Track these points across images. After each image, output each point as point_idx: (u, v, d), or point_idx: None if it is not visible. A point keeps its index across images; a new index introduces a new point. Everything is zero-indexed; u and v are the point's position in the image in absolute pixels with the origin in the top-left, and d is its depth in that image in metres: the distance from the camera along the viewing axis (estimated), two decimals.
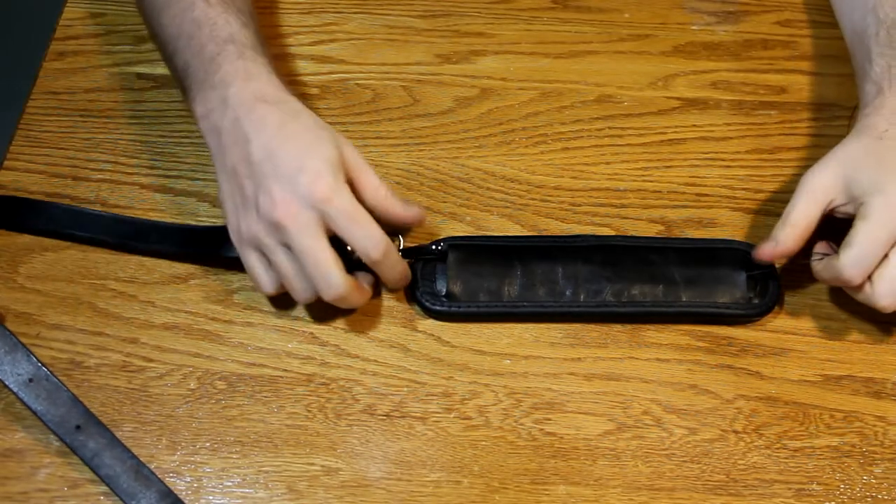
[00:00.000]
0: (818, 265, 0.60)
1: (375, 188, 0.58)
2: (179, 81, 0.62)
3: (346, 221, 0.55)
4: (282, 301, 0.62)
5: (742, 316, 0.62)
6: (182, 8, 0.62)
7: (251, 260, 0.58)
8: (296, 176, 0.55)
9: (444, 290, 0.62)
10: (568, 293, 0.62)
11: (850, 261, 0.56)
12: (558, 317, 0.62)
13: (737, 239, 0.64)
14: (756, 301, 0.62)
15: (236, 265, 0.60)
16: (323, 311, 0.62)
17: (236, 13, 0.62)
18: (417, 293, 0.61)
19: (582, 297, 0.62)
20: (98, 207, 0.66)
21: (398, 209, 0.59)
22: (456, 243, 0.63)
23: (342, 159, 0.57)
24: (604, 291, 0.62)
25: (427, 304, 0.61)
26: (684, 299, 0.62)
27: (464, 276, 0.62)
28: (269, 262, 0.57)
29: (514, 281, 0.62)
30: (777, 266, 0.63)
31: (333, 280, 0.56)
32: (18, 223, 0.65)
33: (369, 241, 0.56)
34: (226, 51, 0.60)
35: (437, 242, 0.62)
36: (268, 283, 0.58)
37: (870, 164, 0.58)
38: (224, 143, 0.58)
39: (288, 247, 0.56)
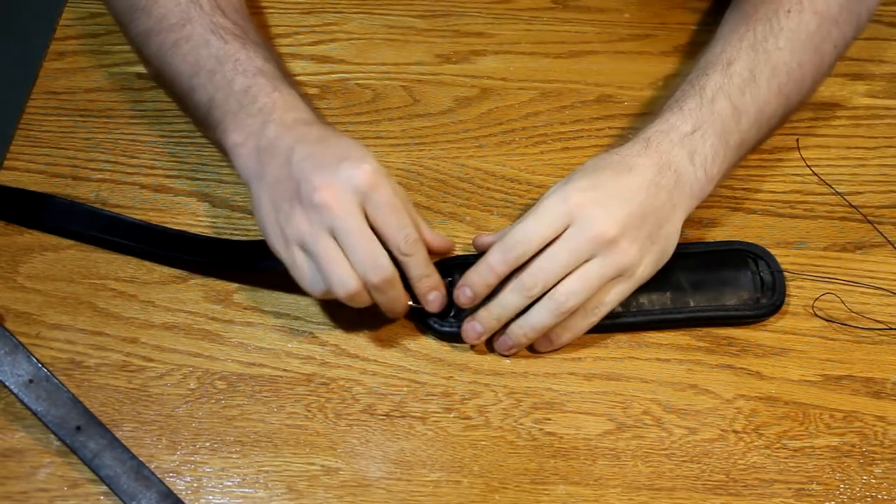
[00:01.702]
0: None
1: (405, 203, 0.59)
2: (200, 116, 0.63)
3: (386, 208, 0.56)
4: (282, 301, 0.62)
5: (751, 317, 0.62)
6: (194, 46, 0.62)
7: (298, 260, 0.57)
8: (339, 164, 0.56)
9: (453, 311, 0.61)
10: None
11: (499, 252, 0.59)
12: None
13: (738, 239, 0.64)
14: (763, 301, 0.62)
15: (269, 282, 0.61)
16: (323, 310, 0.62)
17: (255, 47, 0.63)
18: (427, 317, 0.61)
19: None
20: (98, 207, 0.66)
21: (428, 234, 0.59)
22: (458, 262, 0.62)
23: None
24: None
25: (436, 325, 0.61)
26: (692, 304, 0.61)
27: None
28: (315, 261, 0.56)
29: None
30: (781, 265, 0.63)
31: (381, 261, 0.55)
32: (43, 223, 0.65)
33: (403, 231, 0.56)
34: (258, 83, 0.60)
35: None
36: (315, 283, 0.57)
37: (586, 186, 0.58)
38: (263, 160, 0.58)
39: (332, 233, 0.55)
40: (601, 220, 0.56)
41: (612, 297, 0.58)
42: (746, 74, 0.62)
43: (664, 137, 0.60)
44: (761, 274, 0.62)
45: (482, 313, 0.59)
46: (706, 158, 0.60)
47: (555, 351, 0.61)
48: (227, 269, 0.63)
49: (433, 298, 0.59)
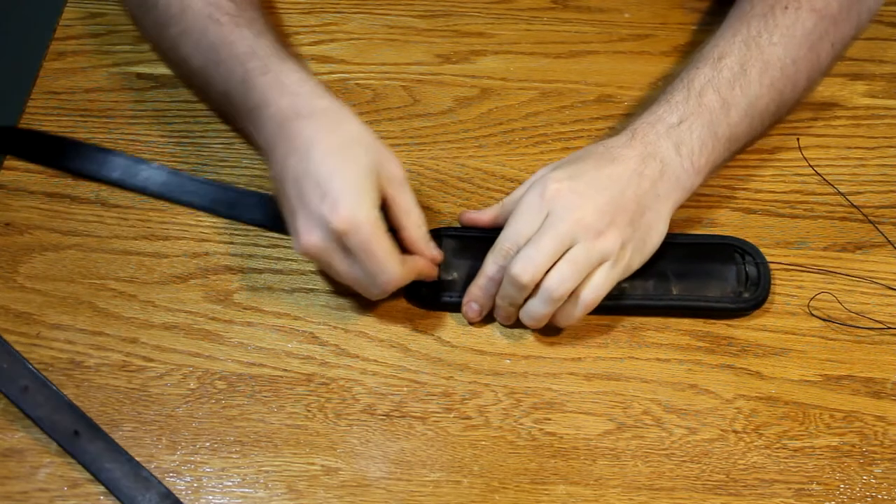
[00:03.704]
0: None
1: (407, 212, 0.58)
2: (222, 109, 0.63)
3: (360, 254, 0.55)
4: (282, 301, 0.62)
5: (732, 310, 0.62)
6: (198, 34, 0.62)
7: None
8: (319, 205, 0.54)
9: (436, 280, 0.62)
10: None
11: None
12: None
13: (727, 234, 0.64)
14: (746, 295, 0.62)
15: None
16: (323, 310, 0.62)
17: (248, 24, 0.62)
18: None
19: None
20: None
21: (421, 243, 0.59)
22: (448, 234, 0.64)
23: (377, 175, 0.56)
24: None
25: (418, 292, 0.62)
26: (675, 293, 0.62)
27: (459, 266, 0.62)
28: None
29: None
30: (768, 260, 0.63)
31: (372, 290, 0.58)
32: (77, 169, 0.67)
33: (375, 274, 0.56)
34: (251, 70, 0.59)
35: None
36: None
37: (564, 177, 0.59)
38: (272, 159, 0.58)
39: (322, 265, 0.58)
40: (577, 207, 0.56)
41: (601, 282, 0.58)
42: (737, 68, 0.62)
43: (650, 129, 0.60)
44: (747, 269, 0.62)
45: (480, 297, 0.60)
46: (693, 150, 0.60)
47: (555, 352, 0.61)
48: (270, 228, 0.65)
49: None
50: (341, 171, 0.55)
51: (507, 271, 0.57)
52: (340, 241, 0.55)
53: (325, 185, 0.54)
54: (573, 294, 0.57)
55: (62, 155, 0.67)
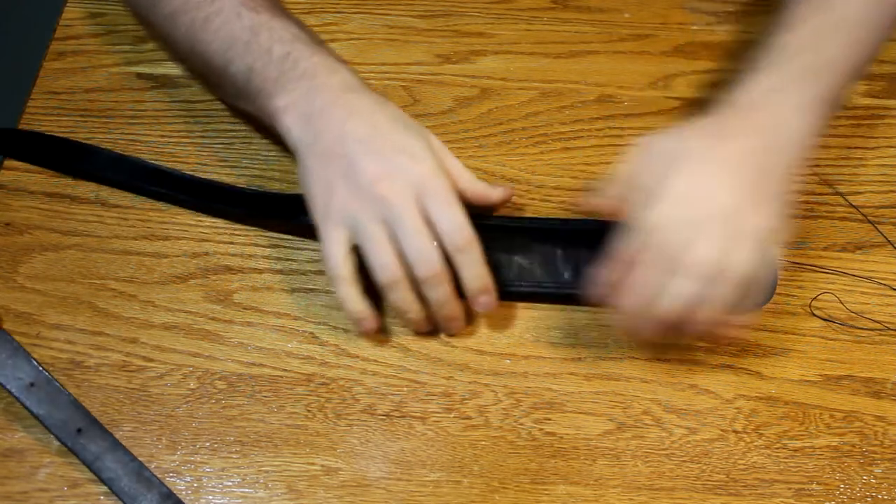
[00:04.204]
0: None
1: (460, 172, 0.60)
2: (238, 87, 0.62)
3: (441, 202, 0.56)
4: (282, 301, 0.62)
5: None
6: (225, 20, 0.61)
7: (335, 236, 0.57)
8: (396, 155, 0.57)
9: None
10: (566, 275, 0.62)
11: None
12: (555, 298, 0.62)
13: None
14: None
15: (303, 233, 0.63)
16: (323, 310, 0.62)
17: (286, 16, 0.63)
18: None
19: (581, 279, 0.61)
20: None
21: (485, 190, 0.61)
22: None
23: (430, 146, 0.58)
24: None
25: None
26: None
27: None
28: (362, 243, 0.57)
29: (512, 261, 0.62)
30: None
31: (432, 255, 0.56)
32: (85, 171, 0.67)
33: (457, 227, 0.56)
34: (297, 49, 0.60)
35: None
36: (337, 262, 0.57)
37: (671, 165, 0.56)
38: (316, 128, 0.58)
39: (384, 222, 0.56)
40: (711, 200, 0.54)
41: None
42: (820, 28, 0.60)
43: (754, 97, 0.58)
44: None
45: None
46: (802, 107, 0.58)
47: (555, 352, 0.61)
48: (267, 220, 0.64)
49: (484, 301, 0.59)
50: (410, 135, 0.58)
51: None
52: (418, 190, 0.56)
53: (402, 142, 0.57)
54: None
55: (80, 160, 0.67)
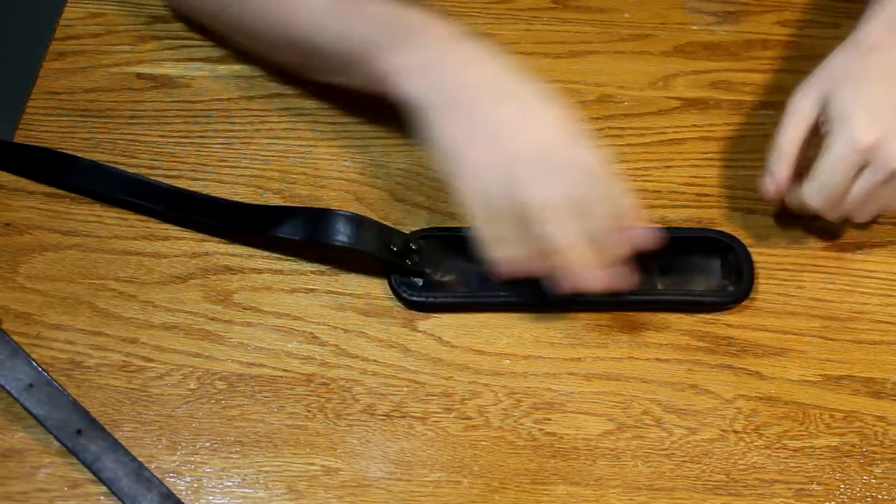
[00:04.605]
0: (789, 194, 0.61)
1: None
2: (338, 60, 0.61)
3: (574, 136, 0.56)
4: (282, 301, 0.62)
5: (718, 303, 0.62)
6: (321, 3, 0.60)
7: (479, 186, 0.56)
8: (525, 98, 0.56)
9: (422, 281, 0.62)
10: (545, 282, 0.62)
11: (813, 192, 0.58)
12: (536, 307, 0.62)
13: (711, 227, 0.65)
14: (731, 289, 0.62)
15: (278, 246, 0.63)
16: (323, 310, 0.62)
17: None
18: (394, 283, 0.62)
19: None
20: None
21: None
22: (433, 235, 0.64)
23: (545, 88, 0.58)
24: None
25: (405, 295, 0.61)
26: (660, 287, 0.62)
27: (448, 266, 0.63)
28: (512, 181, 0.55)
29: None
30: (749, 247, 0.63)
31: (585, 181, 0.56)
32: (68, 182, 0.66)
33: (591, 159, 0.56)
34: (391, 9, 0.59)
35: (413, 236, 0.63)
36: (512, 251, 0.57)
37: (847, 84, 0.58)
38: (436, 82, 0.57)
39: (535, 164, 0.55)
40: None
41: None
42: None
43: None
44: (730, 261, 0.63)
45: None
46: None
47: (555, 352, 0.61)
48: (248, 233, 0.64)
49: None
50: (524, 78, 0.58)
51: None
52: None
53: (522, 87, 0.57)
54: None
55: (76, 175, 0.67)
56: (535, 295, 0.61)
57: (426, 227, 0.64)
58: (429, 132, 0.58)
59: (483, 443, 0.58)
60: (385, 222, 0.64)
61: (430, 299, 0.62)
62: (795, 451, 0.58)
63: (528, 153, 0.55)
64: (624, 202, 0.57)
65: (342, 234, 0.60)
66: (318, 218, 0.61)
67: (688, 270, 0.63)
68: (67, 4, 0.75)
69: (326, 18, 0.60)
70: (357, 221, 0.61)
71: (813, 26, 0.75)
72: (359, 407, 0.59)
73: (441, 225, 0.65)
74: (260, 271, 0.64)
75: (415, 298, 0.62)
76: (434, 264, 0.63)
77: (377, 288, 0.63)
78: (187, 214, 0.64)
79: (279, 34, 0.63)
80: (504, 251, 0.57)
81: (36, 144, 0.67)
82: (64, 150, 0.67)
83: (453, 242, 0.63)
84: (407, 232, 0.63)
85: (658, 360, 0.61)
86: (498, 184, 0.55)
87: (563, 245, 0.55)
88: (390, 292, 0.62)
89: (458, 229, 0.64)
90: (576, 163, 0.56)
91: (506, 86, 0.57)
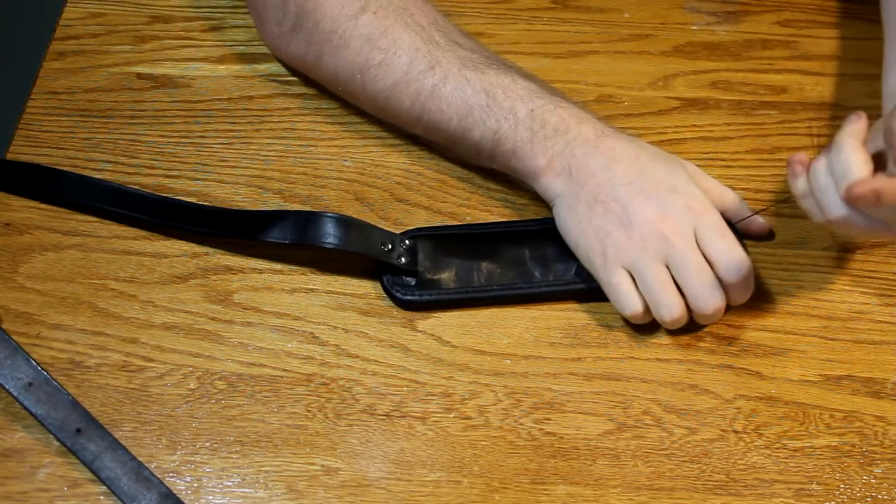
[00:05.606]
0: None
1: (721, 192, 0.62)
2: (484, 151, 0.63)
3: (716, 234, 0.58)
4: (282, 301, 0.62)
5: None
6: (455, 87, 0.62)
7: (616, 278, 0.59)
8: (669, 194, 0.59)
9: (414, 280, 0.62)
10: (537, 274, 0.62)
11: None
12: (528, 298, 0.62)
13: None
14: None
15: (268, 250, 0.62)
16: (323, 310, 0.62)
17: (507, 69, 0.63)
18: (386, 283, 0.62)
19: (551, 276, 0.62)
20: (108, 180, 0.65)
21: (745, 209, 0.63)
22: (423, 234, 0.64)
23: (690, 176, 0.61)
24: (571, 269, 0.62)
25: (398, 294, 0.62)
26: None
27: (443, 264, 0.63)
28: (645, 285, 0.59)
29: (481, 266, 0.63)
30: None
31: (715, 292, 0.58)
32: (53, 196, 0.66)
33: (734, 255, 0.58)
34: (538, 105, 0.61)
35: (403, 236, 0.63)
36: (635, 303, 0.59)
37: None
38: (578, 178, 0.60)
39: (665, 262, 0.58)
40: None
41: None
42: None
43: None
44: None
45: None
46: None
47: (555, 352, 0.61)
48: (237, 238, 0.64)
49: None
50: (677, 172, 0.61)
51: None
52: (693, 225, 0.58)
53: (671, 181, 0.60)
54: None
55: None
56: (530, 285, 0.62)
57: (420, 226, 0.64)
58: (565, 225, 0.61)
59: (483, 443, 0.58)
60: (385, 222, 0.64)
61: (424, 297, 0.62)
62: (795, 451, 0.58)
63: (668, 245, 0.58)
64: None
65: (330, 237, 0.60)
66: (305, 221, 0.61)
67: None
68: (67, 4, 0.75)
69: (480, 115, 0.61)
70: (344, 223, 0.61)
71: (813, 26, 0.75)
72: (359, 407, 0.59)
73: (441, 224, 0.65)
74: (260, 271, 0.64)
75: (408, 297, 0.62)
76: (426, 263, 0.63)
77: (377, 288, 0.63)
78: (175, 223, 0.64)
79: (425, 124, 0.64)
80: (632, 301, 0.60)
81: (20, 161, 0.67)
82: (50, 165, 0.66)
83: (444, 240, 0.63)
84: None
85: (658, 360, 0.61)
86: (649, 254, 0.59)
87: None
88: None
89: (449, 227, 0.64)
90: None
91: (645, 182, 0.59)
